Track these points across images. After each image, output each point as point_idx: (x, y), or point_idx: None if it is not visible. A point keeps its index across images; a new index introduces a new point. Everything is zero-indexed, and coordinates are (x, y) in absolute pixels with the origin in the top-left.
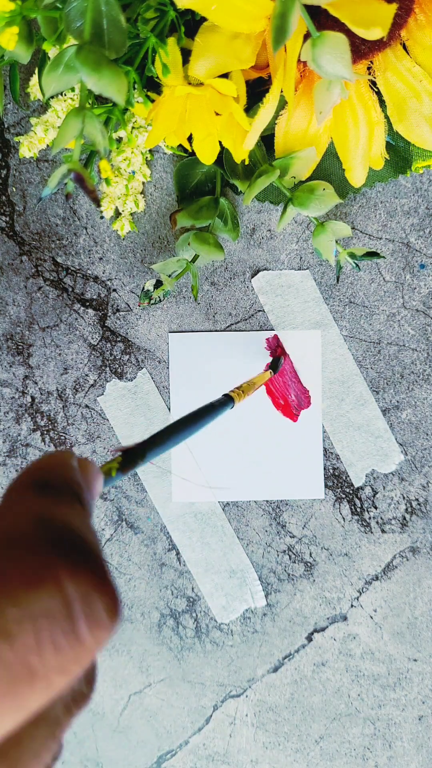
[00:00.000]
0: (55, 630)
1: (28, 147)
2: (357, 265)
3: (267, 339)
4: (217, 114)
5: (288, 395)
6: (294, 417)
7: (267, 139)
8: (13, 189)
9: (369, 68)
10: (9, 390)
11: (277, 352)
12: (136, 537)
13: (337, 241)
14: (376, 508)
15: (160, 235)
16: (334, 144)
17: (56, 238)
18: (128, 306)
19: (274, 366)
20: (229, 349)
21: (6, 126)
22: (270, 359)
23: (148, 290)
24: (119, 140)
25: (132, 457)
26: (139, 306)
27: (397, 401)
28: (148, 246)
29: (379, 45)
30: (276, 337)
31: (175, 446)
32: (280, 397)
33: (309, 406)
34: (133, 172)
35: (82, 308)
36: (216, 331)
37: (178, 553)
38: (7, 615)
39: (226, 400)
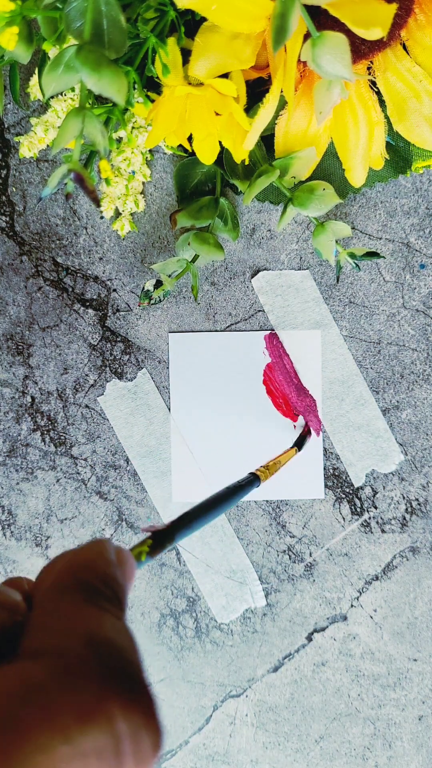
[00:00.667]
0: (103, 767)
1: (28, 147)
2: (357, 265)
3: (265, 340)
4: (217, 114)
5: (288, 396)
6: (294, 417)
7: (267, 139)
8: (13, 189)
9: (369, 68)
10: (9, 390)
11: (304, 429)
12: (136, 537)
13: (337, 241)
14: (376, 508)
15: (160, 235)
16: (334, 144)
17: (56, 238)
18: (128, 306)
19: (299, 443)
20: (229, 349)
21: (6, 126)
22: (297, 436)
23: (148, 290)
24: (119, 140)
25: (161, 539)
26: (139, 306)
27: (397, 401)
28: (148, 246)
29: (379, 45)
30: (269, 338)
31: (203, 526)
32: (280, 398)
33: (318, 427)
34: (133, 172)
35: (82, 308)
36: (216, 331)
37: (178, 553)
38: (58, 753)
39: (253, 480)
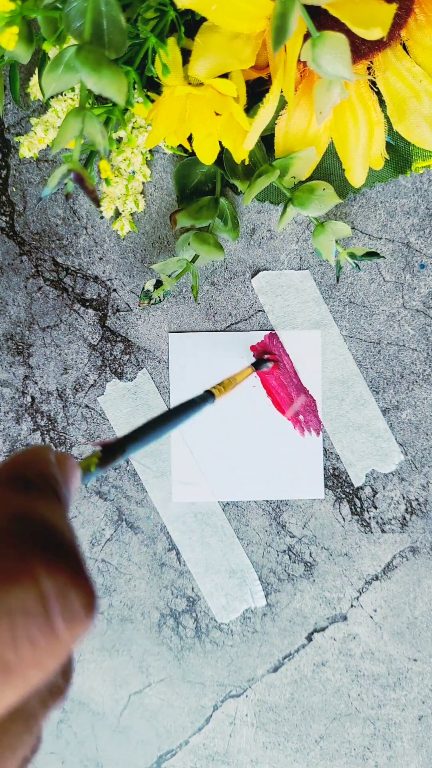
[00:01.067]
0: (30, 625)
1: (28, 147)
2: (357, 265)
3: (258, 342)
4: (217, 114)
5: (289, 396)
6: (294, 418)
7: (267, 139)
8: (13, 189)
9: (369, 68)
10: (9, 390)
11: (263, 353)
12: (136, 537)
13: (337, 241)
14: (376, 508)
15: (160, 235)
16: (334, 144)
17: (56, 238)
18: (128, 306)
19: (257, 364)
20: (229, 349)
21: (6, 126)
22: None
23: (148, 290)
24: (119, 140)
25: (112, 451)
26: (139, 306)
27: (397, 401)
28: (148, 246)
29: (379, 45)
30: (269, 338)
31: (155, 441)
32: (281, 401)
33: (317, 426)
34: (133, 172)
35: (82, 308)
36: (216, 331)
37: (178, 553)
38: None
39: (207, 396)
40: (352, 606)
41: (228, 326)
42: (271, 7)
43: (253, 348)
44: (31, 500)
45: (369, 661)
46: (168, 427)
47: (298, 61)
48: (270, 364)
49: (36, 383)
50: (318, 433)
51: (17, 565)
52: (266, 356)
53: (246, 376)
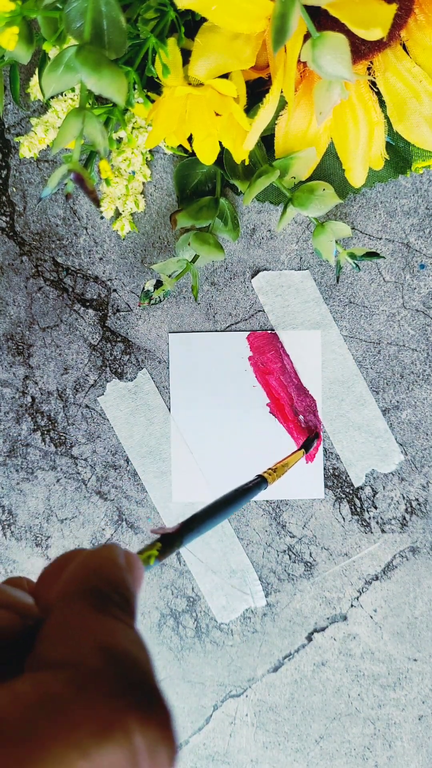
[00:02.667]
0: None
1: (29, 147)
2: (357, 265)
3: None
4: (217, 114)
5: (289, 396)
6: (295, 418)
7: (267, 140)
8: (14, 189)
9: (369, 69)
10: (9, 390)
11: (312, 431)
12: (136, 537)
13: (337, 242)
14: (376, 508)
15: (160, 236)
16: (334, 144)
17: (56, 238)
18: (128, 306)
19: (307, 446)
20: (229, 349)
21: (6, 126)
22: (306, 438)
23: (149, 290)
24: (119, 140)
25: (170, 542)
26: (139, 306)
27: (397, 401)
28: (148, 246)
29: (379, 45)
30: (269, 337)
31: (211, 529)
32: (281, 401)
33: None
34: (133, 173)
35: (83, 308)
36: (216, 331)
37: (178, 553)
38: None
39: (260, 482)
40: (352, 606)
41: (228, 326)
42: (271, 7)
43: (249, 339)
44: (113, 625)
45: (369, 661)
46: (223, 515)
47: (298, 61)
48: (316, 441)
49: (36, 383)
50: (314, 455)
51: (111, 716)
52: (314, 434)
53: (297, 459)
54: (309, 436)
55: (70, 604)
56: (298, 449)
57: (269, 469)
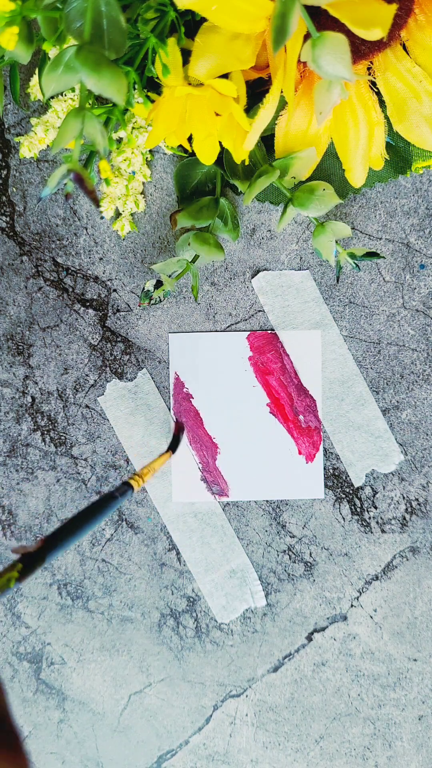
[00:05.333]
0: None
1: (29, 147)
2: (357, 265)
3: (173, 421)
4: (217, 114)
5: (289, 396)
6: (295, 418)
7: (267, 140)
8: (14, 189)
9: (369, 69)
10: (9, 390)
11: (175, 429)
12: (136, 537)
13: (337, 242)
14: (376, 508)
15: (160, 236)
16: (334, 144)
17: (56, 238)
18: (128, 306)
19: (173, 446)
20: (229, 349)
21: (6, 126)
22: (171, 438)
23: (149, 290)
24: (119, 140)
25: (32, 562)
26: (139, 306)
27: (397, 401)
28: (148, 246)
29: (379, 45)
30: (269, 337)
31: (76, 542)
32: (281, 401)
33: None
34: (134, 173)
35: (83, 308)
36: (216, 331)
37: (178, 553)
38: None
39: (125, 489)
40: (352, 606)
41: (228, 326)
42: (271, 7)
43: (249, 339)
44: None
45: (369, 661)
46: (87, 527)
47: (298, 61)
48: (181, 439)
49: (36, 383)
50: (316, 451)
51: None
52: (180, 433)
53: (164, 461)
54: (174, 435)
55: None
56: (165, 451)
57: (135, 474)
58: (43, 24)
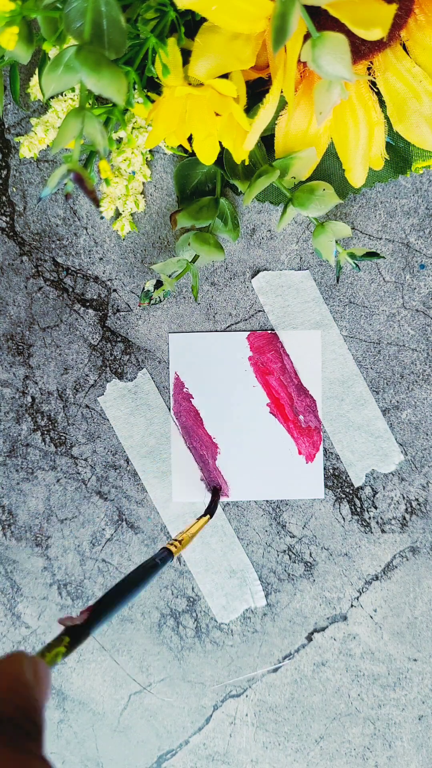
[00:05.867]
0: None
1: (29, 147)
2: (357, 265)
3: (208, 483)
4: (217, 114)
5: (290, 396)
6: (295, 418)
7: (267, 140)
8: (14, 189)
9: (369, 69)
10: (9, 390)
11: (215, 496)
12: (136, 537)
13: (337, 242)
14: (376, 508)
15: (160, 236)
16: (334, 144)
17: (56, 238)
18: (128, 306)
19: (210, 511)
20: (229, 349)
21: (6, 126)
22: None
23: (149, 290)
24: (119, 141)
25: (78, 635)
26: (139, 306)
27: (397, 401)
28: (148, 246)
29: (379, 45)
30: (269, 337)
31: (120, 612)
32: (281, 401)
33: (317, 442)
34: (134, 173)
35: (83, 308)
36: (216, 331)
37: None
38: None
39: (166, 556)
40: (352, 606)
41: (228, 326)
42: (271, 7)
43: (249, 339)
44: (28, 764)
45: (369, 661)
46: (131, 597)
47: (298, 61)
48: (218, 504)
49: (36, 383)
50: (316, 451)
51: None
52: (218, 495)
53: (202, 526)
54: (212, 501)
55: None
56: (203, 515)
57: (174, 540)
58: (43, 24)
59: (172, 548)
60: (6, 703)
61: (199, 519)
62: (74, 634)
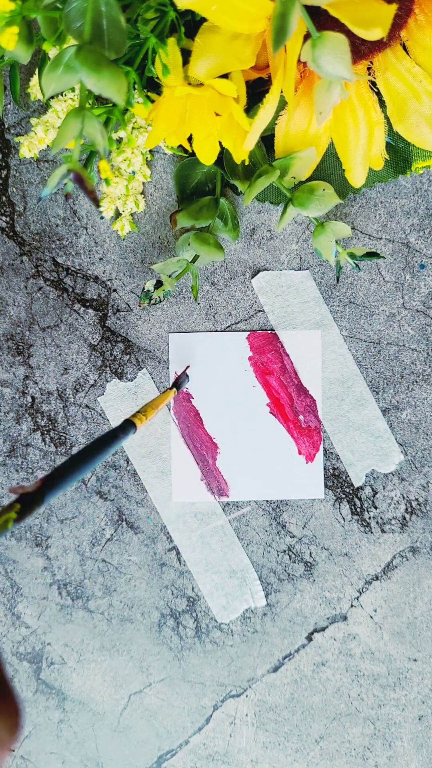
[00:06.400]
0: None
1: (29, 147)
2: (357, 265)
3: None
4: (217, 114)
5: (290, 396)
6: (295, 418)
7: (267, 140)
8: (14, 189)
9: (369, 69)
10: (9, 390)
11: (182, 373)
12: (136, 537)
13: (337, 242)
14: (376, 508)
15: (160, 236)
16: (334, 144)
17: (56, 238)
18: (128, 306)
19: (177, 384)
20: (229, 349)
21: (6, 126)
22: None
23: (149, 290)
24: (119, 141)
25: (30, 503)
26: (139, 306)
27: (397, 401)
28: (148, 246)
29: (379, 45)
30: (269, 337)
31: (76, 481)
32: (281, 401)
33: (317, 441)
34: (134, 173)
35: (83, 308)
36: (216, 331)
37: (178, 553)
38: None
39: (128, 426)
40: (352, 606)
41: (228, 326)
42: (271, 7)
43: (249, 339)
44: None
45: (369, 661)
46: (88, 465)
47: (298, 61)
48: (188, 382)
49: (36, 383)
50: (316, 451)
51: None
52: (185, 372)
53: (167, 399)
54: (179, 375)
55: None
56: (169, 388)
57: (137, 412)
58: (43, 24)
59: (136, 420)
60: None
61: (164, 392)
62: (27, 501)
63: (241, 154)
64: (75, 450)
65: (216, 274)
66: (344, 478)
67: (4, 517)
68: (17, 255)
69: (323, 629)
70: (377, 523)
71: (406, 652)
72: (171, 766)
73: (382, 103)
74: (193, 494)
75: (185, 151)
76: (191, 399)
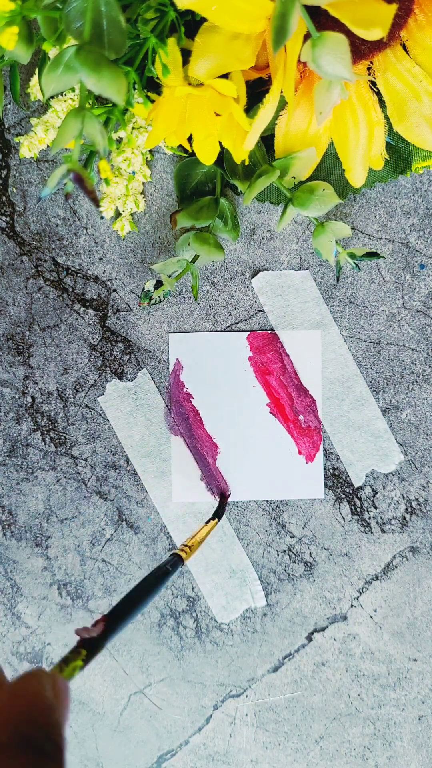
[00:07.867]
0: None
1: (29, 147)
2: (357, 265)
3: (215, 486)
4: (217, 114)
5: (290, 396)
6: (295, 418)
7: (267, 140)
8: (14, 189)
9: (369, 69)
10: (9, 390)
11: (223, 499)
12: (136, 537)
13: (337, 242)
14: (376, 508)
15: (160, 236)
16: (334, 144)
17: (56, 238)
18: (128, 306)
19: (218, 514)
20: (229, 349)
21: (6, 126)
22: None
23: (149, 290)
24: (119, 141)
25: (94, 647)
26: (139, 306)
27: (397, 401)
28: (148, 246)
29: (379, 45)
30: (269, 337)
31: (133, 621)
32: (281, 401)
33: (317, 443)
34: (133, 173)
35: (83, 308)
36: (216, 331)
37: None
38: None
39: (177, 562)
40: (352, 606)
41: (228, 326)
42: (271, 7)
43: (249, 339)
44: None
45: (369, 661)
46: (143, 605)
47: (298, 61)
48: (225, 505)
49: (36, 383)
50: (315, 452)
51: None
52: (224, 501)
53: (210, 531)
54: (220, 504)
55: (2, 761)
56: (210, 519)
57: (184, 545)
58: (43, 24)
59: (182, 554)
60: (26, 723)
61: (207, 523)
62: (90, 646)
63: (241, 154)
64: (130, 583)
65: (216, 274)
66: (344, 478)
67: (72, 665)
68: (17, 255)
69: (323, 629)
70: (377, 523)
71: (406, 652)
72: (171, 766)
73: (382, 103)
74: (193, 494)
75: (185, 151)
76: (191, 399)
